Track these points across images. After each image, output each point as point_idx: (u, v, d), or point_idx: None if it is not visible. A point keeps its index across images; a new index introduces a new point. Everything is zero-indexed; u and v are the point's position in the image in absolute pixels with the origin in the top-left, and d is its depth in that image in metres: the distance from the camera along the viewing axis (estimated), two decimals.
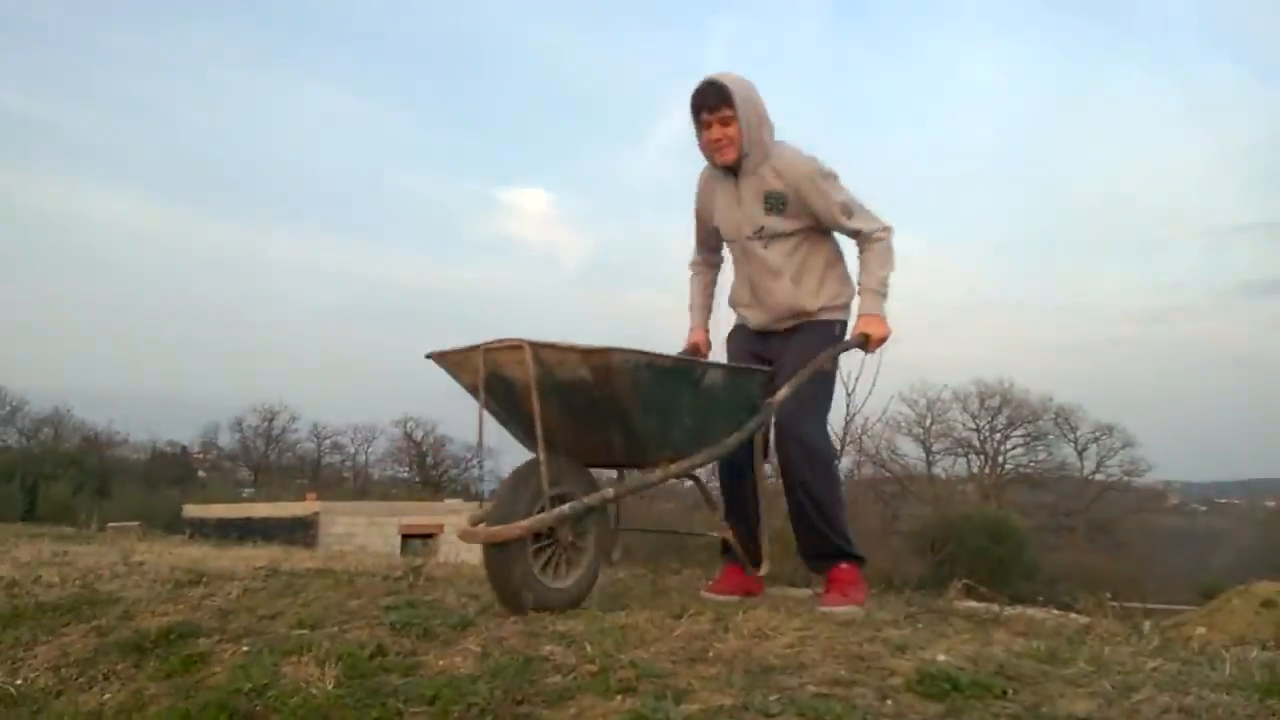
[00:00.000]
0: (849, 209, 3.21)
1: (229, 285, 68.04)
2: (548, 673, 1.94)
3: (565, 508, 2.62)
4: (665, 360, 2.77)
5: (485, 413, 2.81)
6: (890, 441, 36.01)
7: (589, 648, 2.08)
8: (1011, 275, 67.31)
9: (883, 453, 35.34)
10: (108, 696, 2.28)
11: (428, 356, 2.94)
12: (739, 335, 3.50)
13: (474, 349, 2.77)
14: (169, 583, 3.06)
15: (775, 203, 3.21)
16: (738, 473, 3.42)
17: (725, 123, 3.15)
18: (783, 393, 3.07)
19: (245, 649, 2.29)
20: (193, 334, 65.41)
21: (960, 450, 38.83)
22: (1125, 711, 1.74)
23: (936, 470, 38.41)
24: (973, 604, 4.09)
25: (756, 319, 3.37)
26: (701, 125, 3.21)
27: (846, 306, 3.37)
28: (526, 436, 2.84)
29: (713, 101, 3.14)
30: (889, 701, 1.79)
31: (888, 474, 35.72)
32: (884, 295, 3.23)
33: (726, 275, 3.58)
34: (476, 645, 2.17)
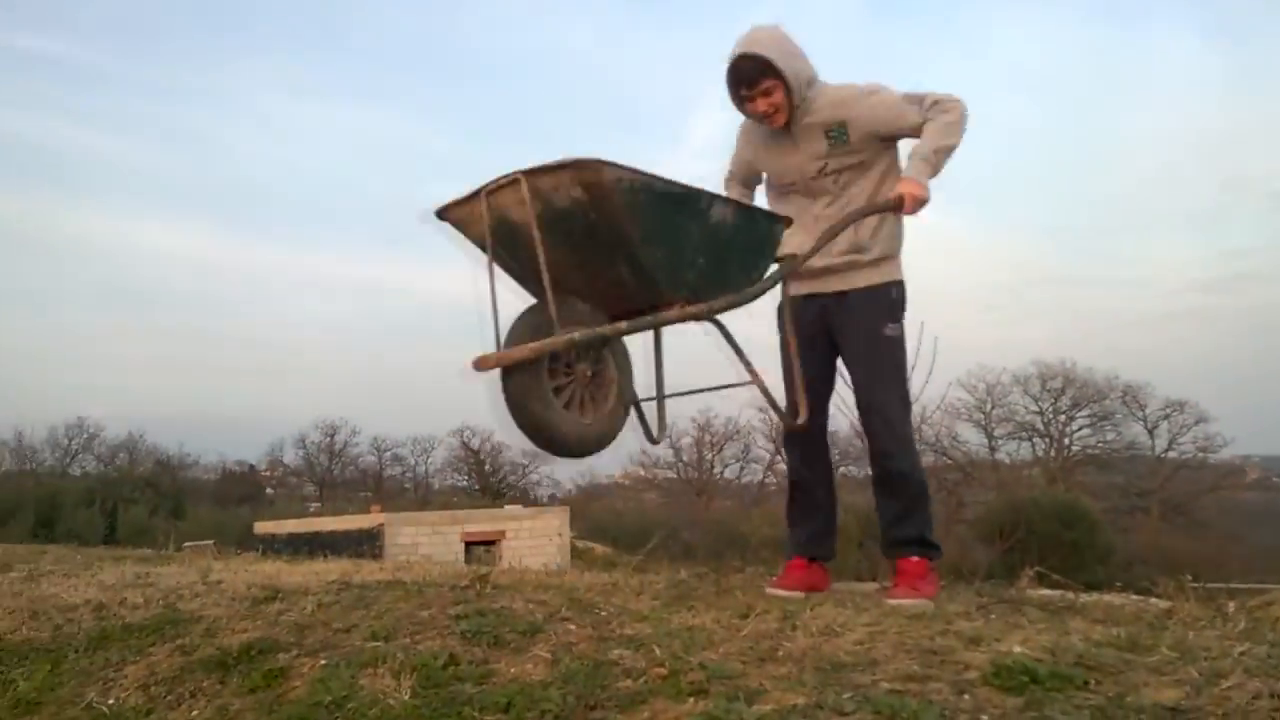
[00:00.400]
0: (912, 97, 3.10)
1: (285, 307, 69.46)
2: (618, 677, 1.95)
3: (575, 333, 2.52)
4: (661, 182, 2.58)
5: (498, 269, 2.71)
6: (950, 428, 35.52)
7: (658, 650, 2.09)
8: (1067, 253, 65.84)
9: (943, 440, 34.87)
10: (195, 713, 2.34)
11: (435, 214, 2.81)
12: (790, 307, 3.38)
13: (474, 194, 2.66)
14: (246, 600, 3.14)
15: (839, 135, 3.12)
16: (809, 462, 3.41)
17: (768, 93, 3.06)
18: (810, 247, 3.00)
19: (323, 662, 2.34)
20: (254, 356, 67.17)
21: (1024, 434, 38.19)
22: (1214, 699, 1.70)
23: (1000, 455, 37.82)
24: (1046, 592, 4.02)
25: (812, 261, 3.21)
26: (743, 101, 3.12)
27: (897, 261, 3.28)
28: (540, 287, 2.67)
29: (751, 76, 3.04)
30: (965, 696, 1.77)
31: (950, 461, 35.20)
32: (933, 166, 3.06)
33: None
34: (546, 651, 2.19)
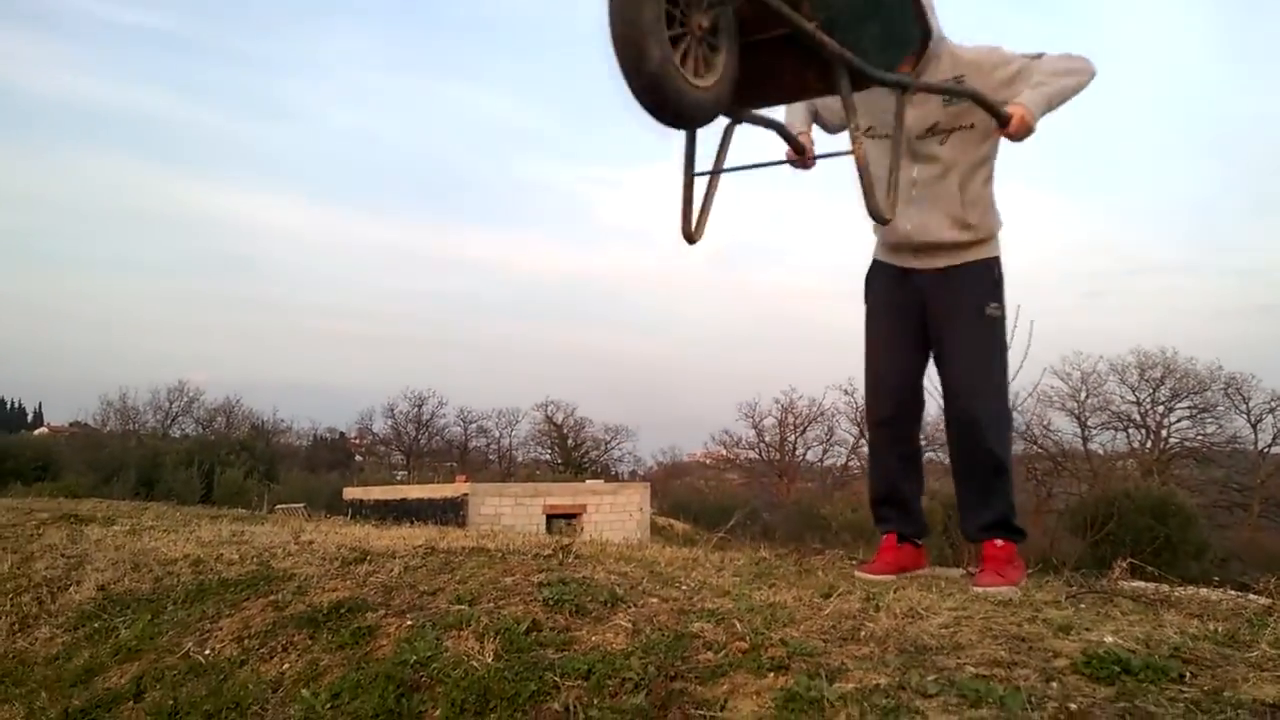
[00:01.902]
0: (1029, 56, 3.01)
1: (377, 278, 71.09)
2: (699, 649, 1.95)
3: None
4: None
5: None
6: (1043, 416, 34.61)
7: (739, 625, 2.08)
8: (1173, 239, 62.87)
9: (1034, 429, 34.00)
10: (286, 666, 2.43)
11: None
12: (881, 279, 3.31)
13: None
14: (336, 560, 3.23)
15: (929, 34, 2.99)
16: (898, 441, 3.35)
17: None
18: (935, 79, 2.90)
19: (409, 623, 2.39)
20: (347, 326, 68.98)
21: (1119, 424, 36.96)
22: None
23: (1093, 446, 36.71)
24: (1139, 584, 3.90)
25: (907, 227, 3.12)
26: None
27: (996, 238, 3.19)
28: None
29: None
30: (1054, 684, 1.72)
31: (1040, 450, 34.31)
32: (1047, 99, 2.92)
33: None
34: (627, 621, 2.20)
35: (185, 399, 43.74)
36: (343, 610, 2.58)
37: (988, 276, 3.15)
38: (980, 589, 2.83)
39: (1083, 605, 2.76)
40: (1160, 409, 36.34)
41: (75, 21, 67.77)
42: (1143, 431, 36.67)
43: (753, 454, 44.59)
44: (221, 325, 69.00)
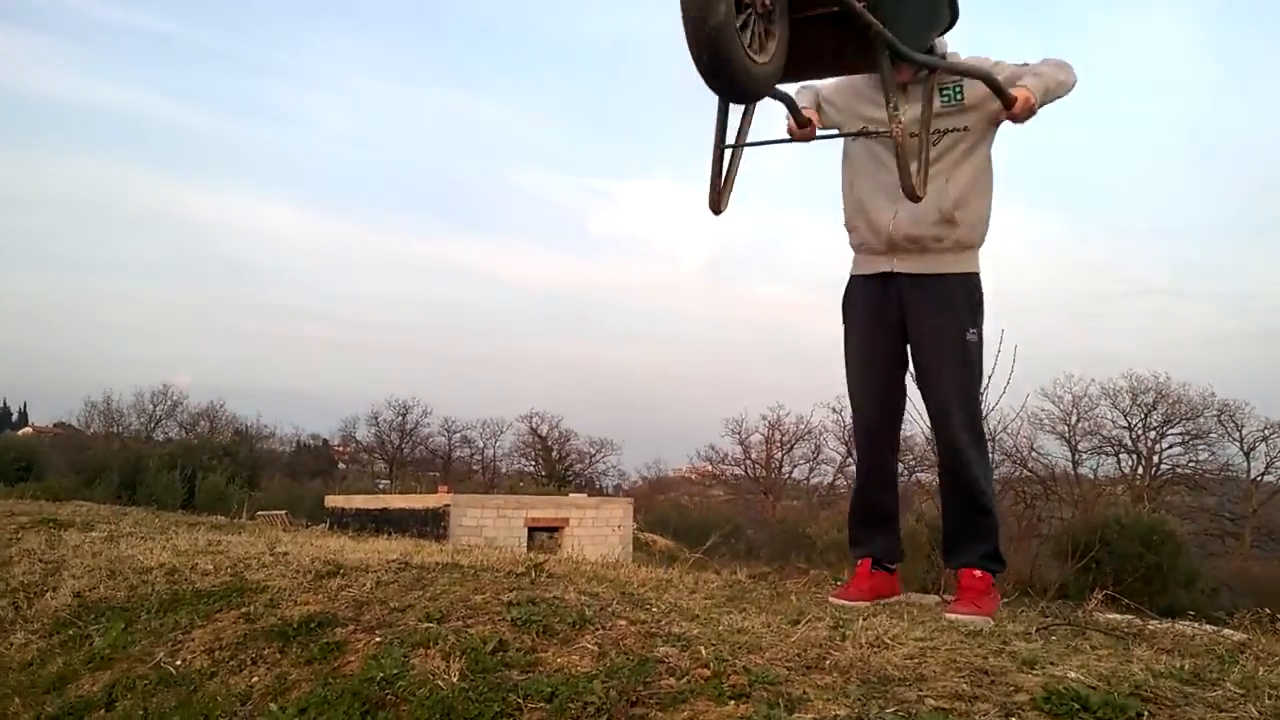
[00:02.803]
0: (1022, 64, 3.11)
1: (364, 285, 71.03)
2: (662, 675, 1.97)
3: None
4: None
5: None
6: (1031, 439, 34.71)
7: (704, 651, 2.10)
8: (1168, 262, 62.84)
9: (1022, 451, 34.09)
10: (255, 680, 2.43)
11: None
12: (859, 294, 3.32)
13: None
14: (310, 573, 3.23)
15: (953, 92, 3.10)
16: (878, 465, 3.38)
17: None
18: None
19: (378, 640, 2.40)
20: (333, 333, 68.88)
21: (1110, 449, 37.04)
22: None
23: (1083, 470, 36.81)
24: (1114, 616, 3.92)
25: (890, 220, 3.14)
26: None
27: (976, 253, 3.21)
28: None
29: None
30: (1012, 719, 1.74)
31: (1029, 474, 34.40)
32: (1045, 87, 3.03)
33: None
34: (594, 644, 2.21)
35: (169, 402, 43.66)
36: (313, 625, 2.58)
37: (967, 299, 3.18)
38: (953, 617, 2.86)
39: (1054, 638, 2.78)
40: (1152, 434, 36.48)
41: (69, 20, 67.78)
42: (1134, 457, 36.82)
43: (738, 470, 44.60)
44: (206, 328, 68.90)
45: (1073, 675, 2.03)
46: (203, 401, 44.52)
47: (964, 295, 3.18)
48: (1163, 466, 36.65)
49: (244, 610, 2.86)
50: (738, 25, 2.16)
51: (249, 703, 2.31)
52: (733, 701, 1.81)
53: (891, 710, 1.74)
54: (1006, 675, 2.03)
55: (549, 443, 44.21)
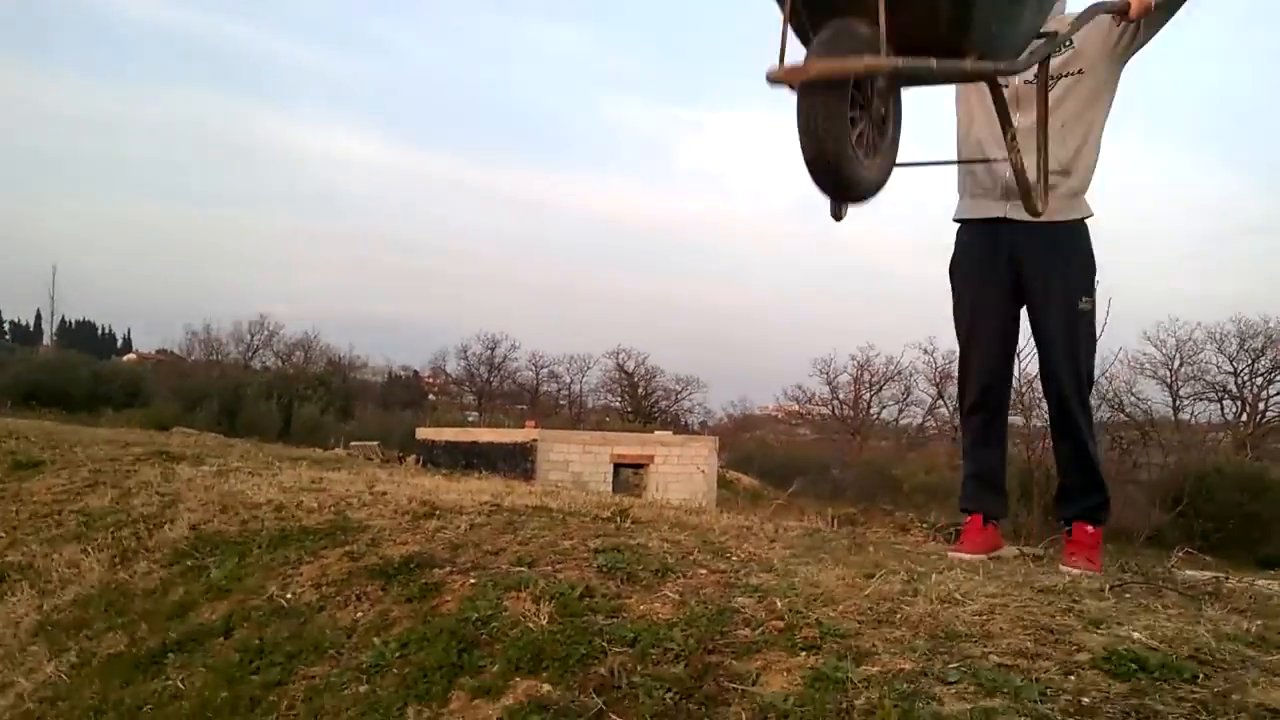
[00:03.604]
0: None
1: (455, 216, 72.08)
2: (738, 625, 2.09)
3: (899, 60, 2.18)
4: None
5: None
6: (1131, 383, 33.70)
7: (779, 603, 2.21)
8: None
9: (1122, 396, 33.12)
10: (360, 615, 2.63)
11: None
12: (969, 239, 3.36)
13: None
14: (408, 514, 3.43)
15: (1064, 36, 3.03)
16: (988, 423, 3.46)
17: None
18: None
19: (472, 581, 2.57)
20: (423, 263, 70.25)
21: (1213, 395, 35.75)
22: None
23: (1184, 416, 35.65)
24: (1193, 573, 3.91)
25: (1006, 173, 3.06)
26: None
27: (1084, 194, 3.23)
28: None
29: None
30: (1071, 677, 1.82)
31: (1127, 418, 33.41)
32: None
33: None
34: (675, 592, 2.34)
35: (265, 332, 45.14)
36: (412, 565, 2.77)
37: (1080, 254, 3.23)
38: (1067, 570, 3.02)
39: (1127, 596, 2.82)
40: (1259, 380, 35.06)
41: None
42: (1238, 404, 35.51)
43: (825, 410, 44.38)
44: (301, 259, 70.99)
45: (1136, 635, 2.08)
46: (297, 332, 45.94)
47: (1077, 249, 3.23)
48: (1269, 414, 35.28)
49: (348, 549, 3.07)
50: (853, 140, 2.18)
51: (354, 635, 2.51)
52: (804, 653, 1.92)
53: (955, 665, 1.83)
54: (1071, 634, 2.10)
55: (635, 379, 44.61)
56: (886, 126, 2.37)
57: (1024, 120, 3.08)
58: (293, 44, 73.25)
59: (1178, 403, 35.71)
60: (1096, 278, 3.30)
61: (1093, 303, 3.27)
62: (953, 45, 2.32)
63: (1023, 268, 3.25)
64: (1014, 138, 2.57)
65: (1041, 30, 2.79)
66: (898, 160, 2.58)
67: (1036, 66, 2.87)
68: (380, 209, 71.76)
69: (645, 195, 70.36)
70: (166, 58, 73.88)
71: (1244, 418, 35.05)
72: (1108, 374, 26.54)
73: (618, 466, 19.84)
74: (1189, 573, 3.88)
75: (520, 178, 71.91)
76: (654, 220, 68.25)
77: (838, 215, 2.81)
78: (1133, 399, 33.94)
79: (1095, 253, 3.30)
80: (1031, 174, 2.69)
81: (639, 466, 20.14)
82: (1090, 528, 3.28)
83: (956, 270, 3.43)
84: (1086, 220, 3.27)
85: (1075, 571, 2.97)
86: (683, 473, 19.77)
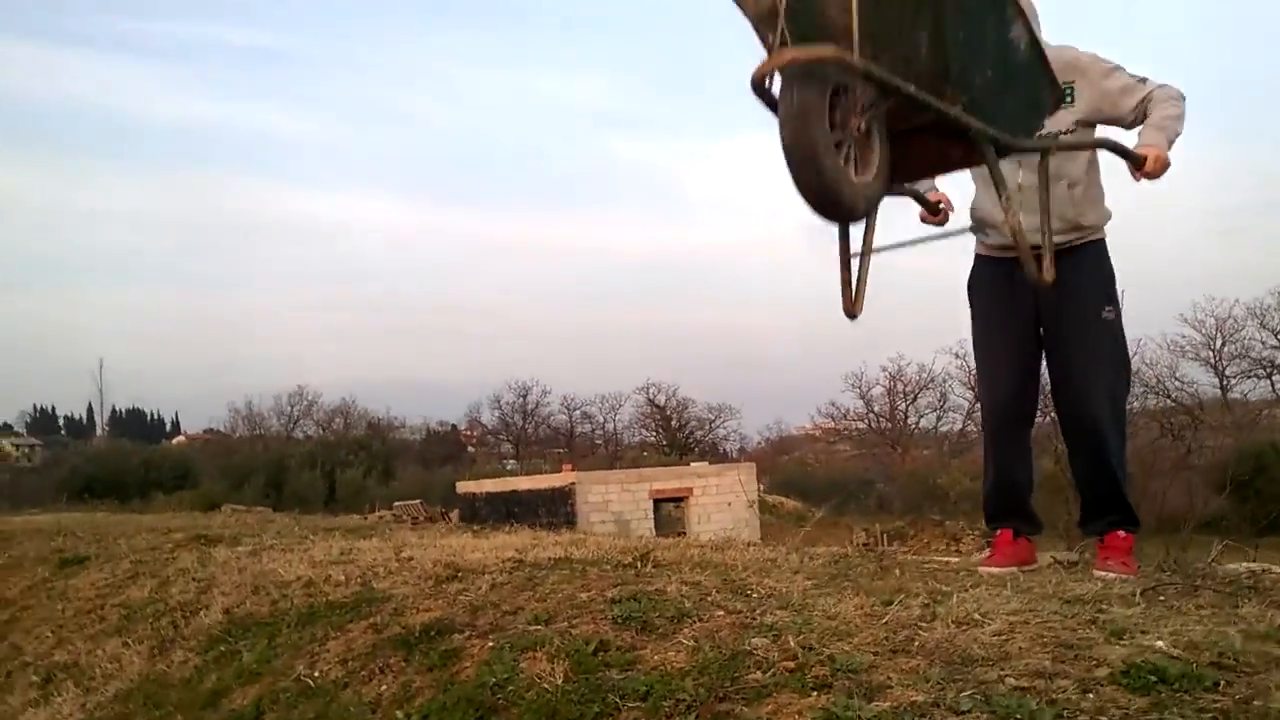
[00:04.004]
0: (1135, 77, 3.10)
1: (475, 272, 72.84)
2: (750, 668, 2.07)
3: (872, 65, 2.18)
4: None
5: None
6: (1173, 367, 33.12)
7: (792, 641, 2.19)
8: None
9: (1165, 382, 32.53)
10: (384, 688, 2.64)
11: None
12: (987, 272, 3.36)
13: None
14: (431, 579, 3.44)
15: (1066, 97, 3.03)
16: (1011, 441, 3.39)
17: None
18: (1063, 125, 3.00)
19: (490, 644, 2.57)
20: (449, 320, 71.07)
21: (1261, 371, 35.02)
22: None
23: (1234, 396, 34.91)
24: (1234, 566, 3.83)
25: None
26: None
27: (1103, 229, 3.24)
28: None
29: None
30: (1090, 695, 1.78)
31: (1174, 403, 32.75)
32: (1166, 133, 3.03)
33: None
34: (689, 639, 2.33)
35: (305, 402, 45.74)
36: (433, 632, 2.78)
37: (1099, 275, 3.19)
38: (1101, 574, 2.99)
39: (1160, 599, 2.76)
40: None
41: (183, 45, 71.16)
42: None
43: (862, 425, 44.00)
44: (332, 328, 72.09)
45: (1160, 644, 2.04)
46: (335, 399, 46.54)
47: (1094, 265, 3.19)
48: None
49: (372, 620, 3.09)
50: (840, 162, 2.21)
51: (378, 710, 2.52)
52: (815, 693, 1.90)
53: (968, 693, 1.80)
54: (1092, 648, 2.06)
55: (667, 412, 44.55)
56: (872, 144, 2.37)
57: (1025, 176, 3.08)
58: (306, 119, 74.97)
59: (1225, 383, 35.04)
60: (1119, 289, 3.25)
61: (1117, 313, 3.20)
62: (935, 90, 2.35)
63: (1039, 295, 3.19)
64: (1009, 199, 2.59)
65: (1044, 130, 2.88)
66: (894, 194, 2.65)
67: (1042, 124, 2.89)
68: (406, 270, 73.06)
69: (660, 229, 70.89)
70: (190, 146, 75.71)
71: None
72: (1148, 360, 26.11)
73: (657, 502, 19.79)
74: (1230, 567, 3.80)
75: (536, 225, 72.75)
76: (671, 252, 68.55)
77: (851, 313, 2.82)
78: (1177, 383, 33.35)
79: (1115, 264, 3.26)
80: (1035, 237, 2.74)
81: (679, 500, 20.07)
82: (1123, 534, 3.23)
83: (974, 290, 3.42)
84: (1102, 240, 3.25)
85: (1110, 576, 2.92)
86: (722, 502, 19.68)
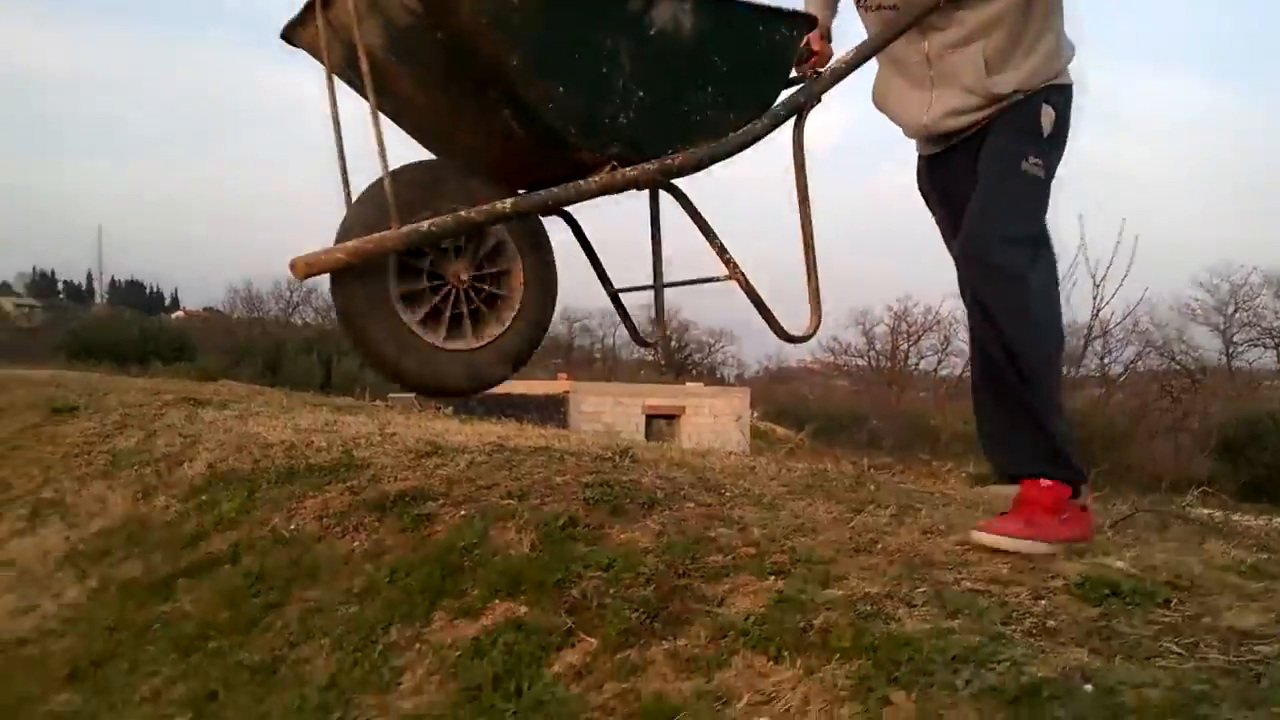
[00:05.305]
0: None
1: None
2: (712, 552, 2.10)
3: (424, 224, 1.91)
4: None
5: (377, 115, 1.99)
6: (1181, 331, 32.93)
7: (756, 532, 2.22)
8: None
9: (1172, 344, 32.36)
10: (356, 544, 2.70)
11: (281, 37, 2.20)
12: (925, 170, 2.47)
13: (309, 8, 2.05)
14: (411, 453, 3.48)
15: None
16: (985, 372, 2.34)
17: None
18: (836, 61, 2.21)
19: (463, 514, 2.61)
20: None
21: (1269, 341, 34.85)
22: None
23: (1238, 364, 34.77)
24: (1207, 511, 3.87)
25: (922, 119, 2.32)
26: None
27: (1057, 80, 2.26)
28: (413, 130, 2.16)
29: None
30: (1042, 602, 1.80)
31: (1176, 365, 32.61)
32: None
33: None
34: (656, 524, 2.36)
35: (304, 289, 45.52)
36: (408, 498, 2.82)
37: (1027, 125, 2.24)
38: (980, 537, 2.11)
39: (1130, 530, 2.80)
40: None
41: None
42: None
43: (861, 362, 43.99)
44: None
45: (1119, 565, 2.06)
46: None
47: (1022, 119, 2.24)
48: None
49: (350, 484, 3.13)
50: (418, 319, 2.04)
51: (349, 563, 2.57)
52: (772, 577, 1.93)
53: (923, 589, 1.83)
54: (1051, 563, 2.07)
55: (667, 332, 44.51)
56: (504, 289, 2.18)
57: (934, 45, 2.26)
58: None
59: (1231, 349, 34.91)
60: (1052, 142, 2.25)
61: (1048, 172, 2.22)
62: (568, 161, 2.02)
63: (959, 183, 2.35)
64: (723, 249, 2.24)
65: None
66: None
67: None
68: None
69: None
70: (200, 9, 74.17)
71: None
72: (1154, 319, 25.92)
73: (650, 418, 19.91)
74: (1203, 510, 3.84)
75: None
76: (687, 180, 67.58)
77: (643, 344, 2.74)
78: (1183, 347, 33.20)
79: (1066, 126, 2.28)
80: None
81: (671, 418, 20.20)
82: (1047, 482, 2.16)
83: (920, 184, 2.57)
84: (1040, 91, 2.24)
85: (989, 538, 2.09)
86: (716, 423, 19.80)
